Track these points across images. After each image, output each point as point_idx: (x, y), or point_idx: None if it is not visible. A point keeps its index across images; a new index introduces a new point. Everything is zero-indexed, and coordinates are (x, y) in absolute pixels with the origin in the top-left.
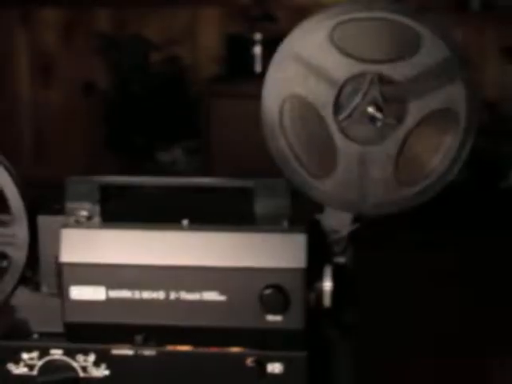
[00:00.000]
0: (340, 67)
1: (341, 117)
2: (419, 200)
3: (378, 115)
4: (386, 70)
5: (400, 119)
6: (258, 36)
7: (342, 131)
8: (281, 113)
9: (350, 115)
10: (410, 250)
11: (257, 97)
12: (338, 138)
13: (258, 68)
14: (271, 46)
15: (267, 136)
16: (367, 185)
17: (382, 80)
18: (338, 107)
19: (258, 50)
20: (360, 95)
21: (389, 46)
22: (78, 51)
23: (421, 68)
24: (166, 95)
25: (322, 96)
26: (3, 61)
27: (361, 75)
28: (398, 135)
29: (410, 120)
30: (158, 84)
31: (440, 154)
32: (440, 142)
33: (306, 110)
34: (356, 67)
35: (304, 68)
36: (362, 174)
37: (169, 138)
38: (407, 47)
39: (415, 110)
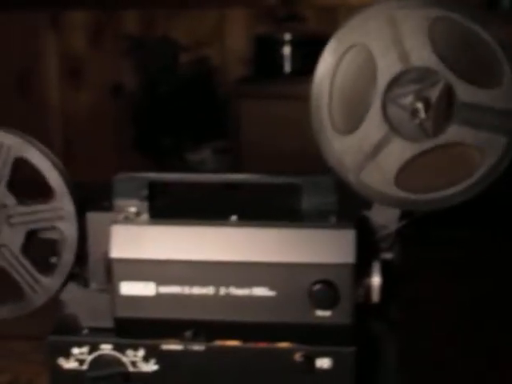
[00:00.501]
0: (422, 55)
1: (393, 92)
2: (412, 207)
3: (422, 115)
4: (455, 83)
5: (435, 132)
6: (286, 36)
7: (383, 105)
8: (342, 57)
9: (400, 96)
10: (450, 249)
11: (286, 97)
12: (375, 109)
13: (287, 68)
14: (300, 46)
15: (317, 73)
16: (367, 165)
17: (446, 90)
18: (394, 82)
19: (286, 50)
20: (420, 86)
21: (472, 64)
22: (107, 53)
23: (483, 103)
24: (195, 96)
25: (389, 63)
26: (32, 64)
27: (433, 73)
28: (423, 144)
29: (442, 139)
30: (186, 85)
31: (451, 183)
32: (458, 172)
33: (366, 66)
34: (435, 64)
35: (390, 31)
36: (371, 153)
37: (197, 138)
38: (486, 78)
39: (451, 134)
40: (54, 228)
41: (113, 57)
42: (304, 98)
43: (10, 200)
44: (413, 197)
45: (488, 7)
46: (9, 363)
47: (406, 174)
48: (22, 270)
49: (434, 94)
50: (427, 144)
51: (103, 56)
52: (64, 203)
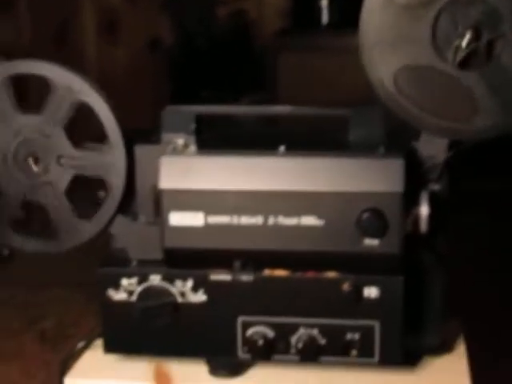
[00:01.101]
0: None
1: (457, 6)
2: (396, 110)
3: (464, 43)
4: (508, 39)
5: (460, 65)
6: None
7: (440, 10)
8: None
9: (461, 14)
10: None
11: (323, 49)
12: (433, 8)
13: (324, 21)
14: None
15: None
16: (386, 46)
17: (496, 39)
18: None
19: (324, 2)
20: (481, 19)
21: None
22: (144, 7)
23: None
24: (232, 50)
25: None
26: (69, 19)
27: (498, 17)
28: (443, 64)
29: (458, 74)
30: (224, 38)
31: (441, 115)
32: (450, 112)
33: None
34: (505, 10)
35: None
36: (397, 36)
37: (235, 91)
38: None
39: (469, 77)
40: (101, 178)
41: (150, 10)
42: (341, 50)
43: (65, 141)
44: (401, 101)
45: None
46: (53, 308)
47: (408, 76)
48: (61, 212)
49: (487, 35)
50: (445, 67)
51: (140, 10)
52: (116, 153)
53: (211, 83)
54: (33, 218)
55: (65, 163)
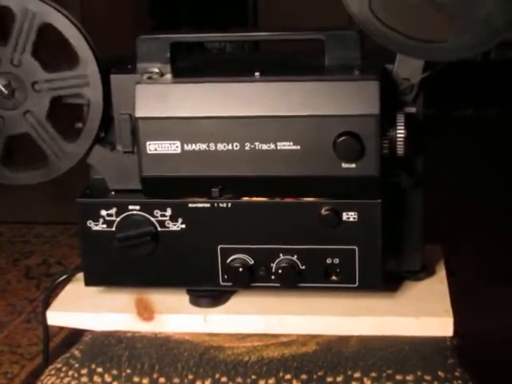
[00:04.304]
0: None
1: None
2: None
3: None
4: None
5: None
6: None
7: None
8: None
9: None
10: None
11: None
12: None
13: None
14: None
15: None
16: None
17: None
18: None
19: None
20: None
21: None
22: None
23: None
24: None
25: None
26: None
27: None
28: None
29: None
30: None
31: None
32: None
33: None
34: None
35: None
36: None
37: (217, 24)
38: None
39: None
40: (79, 95)
41: None
42: None
43: (36, 67)
44: (376, 23)
45: None
46: (38, 247)
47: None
48: (46, 137)
49: None
50: None
51: None
52: (89, 68)
53: (193, 18)
54: (18, 151)
55: (40, 88)
